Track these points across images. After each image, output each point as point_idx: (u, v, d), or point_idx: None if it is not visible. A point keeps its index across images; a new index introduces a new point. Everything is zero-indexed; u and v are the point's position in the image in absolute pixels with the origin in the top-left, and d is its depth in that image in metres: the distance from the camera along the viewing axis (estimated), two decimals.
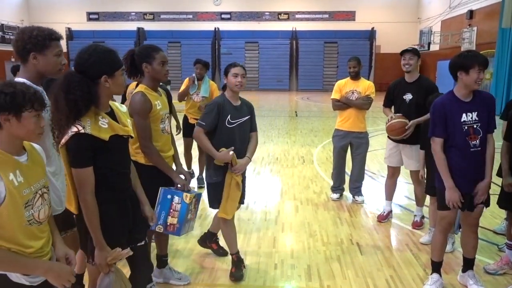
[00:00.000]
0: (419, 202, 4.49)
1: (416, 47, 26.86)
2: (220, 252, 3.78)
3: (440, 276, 3.25)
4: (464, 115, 2.99)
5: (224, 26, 29.16)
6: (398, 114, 4.35)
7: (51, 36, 2.28)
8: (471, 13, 20.80)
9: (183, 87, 5.81)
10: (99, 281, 2.17)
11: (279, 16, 29.27)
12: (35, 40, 2.21)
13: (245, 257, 3.76)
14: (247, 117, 3.44)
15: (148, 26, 29.34)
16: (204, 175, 5.80)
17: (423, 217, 4.50)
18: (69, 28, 28.91)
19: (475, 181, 3.05)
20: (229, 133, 3.26)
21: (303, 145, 9.25)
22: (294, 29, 28.99)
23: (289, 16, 29.25)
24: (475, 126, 2.98)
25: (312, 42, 28.75)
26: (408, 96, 4.33)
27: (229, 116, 3.27)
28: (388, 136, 4.59)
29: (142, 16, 29.56)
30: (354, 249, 3.97)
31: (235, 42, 28.97)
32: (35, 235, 1.75)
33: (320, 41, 28.71)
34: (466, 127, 2.99)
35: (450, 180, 2.99)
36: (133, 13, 29.55)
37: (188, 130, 5.68)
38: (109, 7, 29.36)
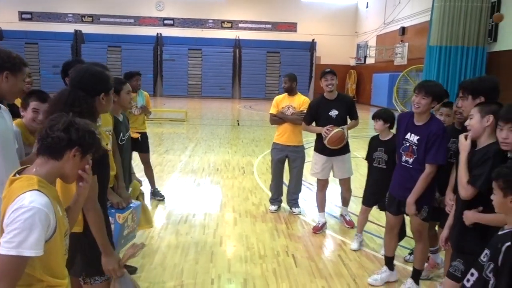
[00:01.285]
0: (346, 203, 5.08)
1: (353, 59, 28.17)
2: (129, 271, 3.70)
3: (391, 269, 3.67)
4: (409, 134, 3.31)
5: (167, 32, 28.78)
6: (330, 126, 4.58)
7: (23, 61, 2.32)
8: (403, 30, 22.18)
9: None
10: (116, 286, 2.18)
11: (223, 24, 29.41)
12: (13, 61, 2.24)
13: (183, 273, 3.77)
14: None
15: (87, 28, 28.23)
16: (156, 187, 5.81)
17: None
18: None
19: (403, 191, 3.34)
20: None
21: (244, 155, 9.36)
22: (237, 38, 29.25)
23: (233, 24, 29.47)
24: (413, 147, 3.27)
25: (255, 51, 29.15)
26: (334, 112, 4.70)
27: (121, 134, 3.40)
28: (317, 153, 4.87)
29: (80, 18, 28.41)
30: (289, 261, 4.10)
31: (178, 48, 28.66)
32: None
33: (263, 51, 29.17)
34: (407, 144, 3.31)
35: None
36: (70, 15, 28.33)
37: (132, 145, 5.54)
38: (44, 7, 27.91)
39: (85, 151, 1.71)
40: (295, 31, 29.74)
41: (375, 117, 4.14)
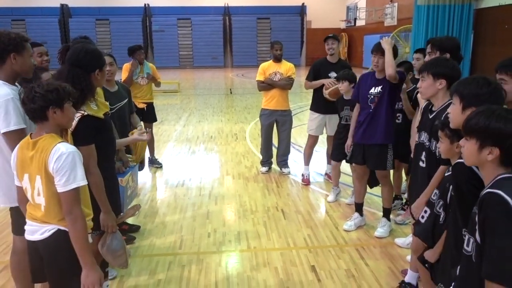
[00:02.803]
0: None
1: (343, 22, 27.91)
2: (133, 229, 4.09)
3: (361, 215, 4.15)
4: (373, 88, 3.80)
5: (155, 2, 28.36)
6: (333, 80, 4.94)
7: (24, 38, 2.52)
8: None
9: (126, 74, 5.68)
10: (108, 241, 2.51)
11: None
12: (14, 42, 2.44)
13: (182, 229, 4.17)
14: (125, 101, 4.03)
15: (73, 2, 27.77)
16: (155, 155, 6.14)
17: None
18: None
19: (367, 136, 3.86)
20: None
21: (237, 123, 9.67)
22: (226, 5, 28.91)
23: None
24: (378, 97, 3.76)
25: (245, 18, 28.89)
26: (333, 74, 5.05)
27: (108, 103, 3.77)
28: (313, 111, 5.32)
29: None
30: (278, 215, 4.50)
31: (166, 19, 28.37)
32: None
33: (252, 17, 28.92)
34: (372, 96, 3.79)
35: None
36: None
37: (138, 115, 5.82)
38: None
39: (59, 105, 2.01)
40: None
41: (340, 78, 4.51)
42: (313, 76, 5.22)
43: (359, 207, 4.19)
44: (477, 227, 1.62)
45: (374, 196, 4.79)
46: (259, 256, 3.65)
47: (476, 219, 1.63)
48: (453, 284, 1.82)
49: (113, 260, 2.63)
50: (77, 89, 2.36)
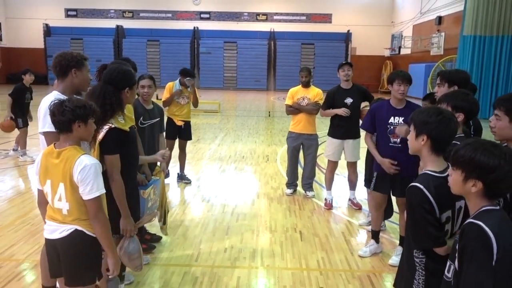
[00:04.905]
0: (353, 186, 5.56)
1: (387, 50, 27.80)
2: (155, 239, 4.29)
3: (377, 242, 4.15)
4: (392, 118, 3.82)
5: (203, 25, 29.56)
6: (343, 110, 5.21)
7: (84, 57, 2.92)
8: (439, 19, 21.79)
9: (168, 94, 6.12)
10: (125, 244, 2.77)
11: (258, 16, 29.82)
12: (75, 59, 2.84)
13: (201, 243, 4.34)
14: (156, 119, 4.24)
15: (127, 24, 29.49)
16: (184, 171, 6.43)
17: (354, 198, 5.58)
18: (46, 24, 28.84)
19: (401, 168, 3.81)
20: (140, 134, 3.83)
21: (270, 145, 9.85)
22: (272, 30, 29.60)
23: (268, 17, 29.82)
24: None
25: (290, 43, 29.40)
26: (349, 100, 5.23)
27: (141, 118, 3.98)
28: (330, 137, 5.47)
29: (121, 13, 29.67)
30: (296, 236, 4.58)
31: (214, 41, 29.40)
32: None
33: (297, 42, 29.38)
34: (392, 127, 3.81)
35: (378, 155, 3.87)
36: (112, 11, 29.65)
37: (174, 132, 6.19)
38: (88, 4, 29.39)
39: (84, 120, 2.26)
40: (330, 22, 29.69)
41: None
42: (327, 105, 5.40)
43: (375, 234, 4.19)
44: (456, 255, 1.68)
45: (394, 224, 4.77)
46: (271, 274, 3.75)
47: (457, 246, 1.69)
48: None
49: (128, 262, 2.86)
50: (107, 104, 2.66)
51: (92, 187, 2.21)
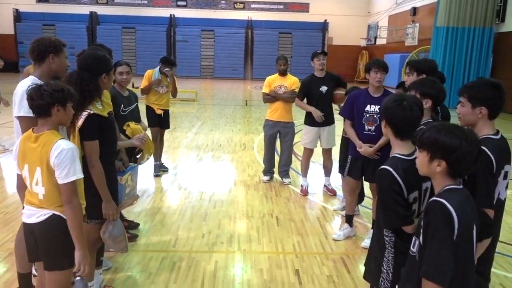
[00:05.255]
0: (328, 173, 5.68)
1: (363, 40, 28.07)
2: (132, 226, 4.30)
3: (350, 226, 4.29)
4: (368, 106, 3.92)
5: (180, 13, 29.13)
6: (319, 114, 5.32)
7: (62, 43, 2.89)
8: (414, 10, 22.14)
9: (146, 82, 6.03)
10: (109, 228, 2.80)
11: (235, 5, 29.59)
12: (53, 45, 2.81)
13: (178, 229, 4.39)
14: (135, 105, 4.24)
15: (101, 10, 28.76)
16: (161, 160, 6.42)
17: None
18: (17, 10, 27.87)
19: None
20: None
21: (247, 133, 9.91)
22: (249, 19, 29.43)
23: (245, 5, 29.63)
24: (375, 116, 3.87)
25: (267, 32, 29.33)
26: (324, 88, 5.32)
27: (122, 106, 3.96)
28: (307, 125, 5.52)
29: None
30: (272, 221, 4.68)
31: (190, 29, 29.05)
32: None
33: (275, 31, 29.33)
34: (367, 115, 3.92)
35: (358, 140, 3.97)
36: None
37: (156, 120, 6.16)
38: None
39: (63, 104, 2.26)
40: (308, 11, 29.74)
41: (347, 93, 4.71)
42: (302, 94, 5.47)
43: (349, 219, 4.33)
44: (421, 230, 1.79)
45: (367, 209, 4.92)
46: (247, 258, 3.83)
47: (422, 223, 1.80)
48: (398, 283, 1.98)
49: (113, 245, 2.90)
50: (85, 90, 2.65)
51: (68, 172, 2.21)
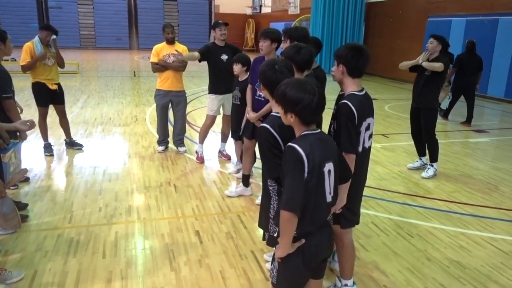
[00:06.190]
0: (225, 139, 5.88)
1: (249, 8, 28.45)
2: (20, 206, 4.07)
3: (246, 186, 4.59)
4: None
5: None
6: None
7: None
8: None
9: (29, 57, 5.38)
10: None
11: None
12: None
13: (72, 205, 4.26)
14: None
15: None
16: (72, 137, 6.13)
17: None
18: None
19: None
20: None
21: (138, 105, 9.66)
22: None
23: None
24: None
25: None
26: (224, 57, 5.41)
27: None
28: (212, 94, 5.57)
29: None
30: (170, 189, 4.78)
31: None
32: None
33: None
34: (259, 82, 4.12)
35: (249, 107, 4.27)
36: None
37: (47, 98, 5.67)
38: None
39: None
40: None
41: (234, 60, 4.88)
42: (204, 55, 5.40)
43: (246, 178, 4.61)
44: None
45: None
46: (148, 226, 3.91)
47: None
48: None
49: (5, 223, 2.78)
50: None
51: None
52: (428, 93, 5.23)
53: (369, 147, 2.75)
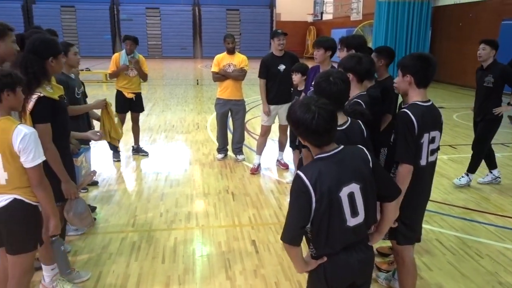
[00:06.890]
0: (282, 147, 5.90)
1: (310, 16, 28.35)
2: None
3: None
4: None
5: None
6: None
7: (8, 27, 2.79)
8: None
9: (114, 67, 5.97)
10: (73, 206, 2.86)
11: None
12: None
13: (136, 210, 4.46)
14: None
15: None
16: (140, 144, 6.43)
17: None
18: None
19: None
20: None
21: (200, 113, 9.94)
22: None
23: None
24: None
25: (214, 9, 28.91)
26: (282, 67, 5.43)
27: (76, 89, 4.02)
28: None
29: None
30: (228, 197, 4.85)
31: (135, 7, 28.05)
32: None
33: (222, 8, 28.96)
34: None
35: None
36: None
37: (125, 105, 6.12)
38: None
39: (12, 88, 2.28)
40: None
41: (293, 70, 4.85)
42: (265, 72, 5.48)
43: None
44: None
45: None
46: (206, 233, 3.99)
47: None
48: None
49: (80, 222, 2.99)
50: (29, 72, 2.64)
51: (34, 155, 2.27)
52: (490, 105, 4.97)
53: (434, 162, 2.61)
